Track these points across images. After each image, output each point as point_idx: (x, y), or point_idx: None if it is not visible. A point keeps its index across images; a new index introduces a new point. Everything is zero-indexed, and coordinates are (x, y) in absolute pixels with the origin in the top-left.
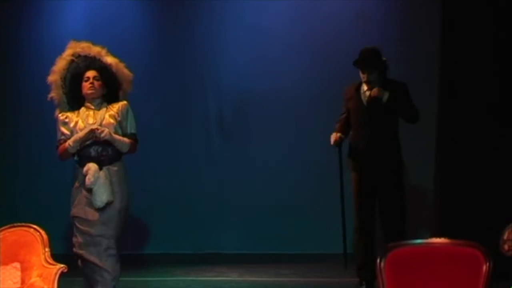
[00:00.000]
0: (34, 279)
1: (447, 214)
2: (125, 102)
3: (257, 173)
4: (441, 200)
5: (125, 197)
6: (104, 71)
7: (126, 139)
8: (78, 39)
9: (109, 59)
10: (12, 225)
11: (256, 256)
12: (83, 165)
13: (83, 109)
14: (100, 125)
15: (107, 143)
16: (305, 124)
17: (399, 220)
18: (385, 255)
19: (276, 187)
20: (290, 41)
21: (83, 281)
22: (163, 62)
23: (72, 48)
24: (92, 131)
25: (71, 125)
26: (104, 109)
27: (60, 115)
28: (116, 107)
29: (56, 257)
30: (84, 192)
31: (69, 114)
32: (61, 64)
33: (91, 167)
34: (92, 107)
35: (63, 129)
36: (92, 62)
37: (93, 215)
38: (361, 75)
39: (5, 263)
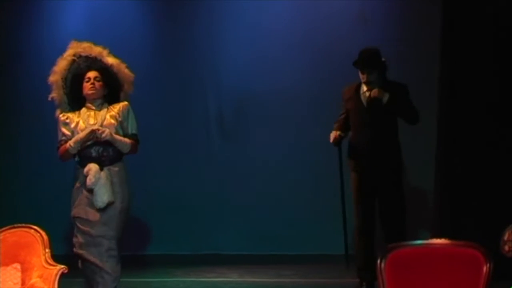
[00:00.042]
0: (35, 280)
1: (447, 214)
2: (126, 102)
3: (257, 173)
4: (441, 201)
5: (126, 197)
6: (105, 71)
7: (127, 140)
8: (79, 39)
9: (111, 60)
10: (12, 226)
11: (257, 257)
12: (83, 166)
13: (84, 109)
14: (101, 125)
15: (108, 143)
16: (305, 124)
17: (399, 220)
18: (386, 256)
19: (276, 187)
20: (290, 41)
21: (83, 282)
22: (163, 62)
23: (73, 49)
24: (93, 131)
25: (72, 125)
26: (105, 109)
27: (61, 115)
28: (117, 108)
29: (57, 258)
30: (84, 193)
31: (70, 114)
32: (62, 64)
33: (92, 167)
34: (93, 107)
35: (64, 130)
36: (93, 62)
37: (94, 216)
38: (361, 75)
39: (6, 264)
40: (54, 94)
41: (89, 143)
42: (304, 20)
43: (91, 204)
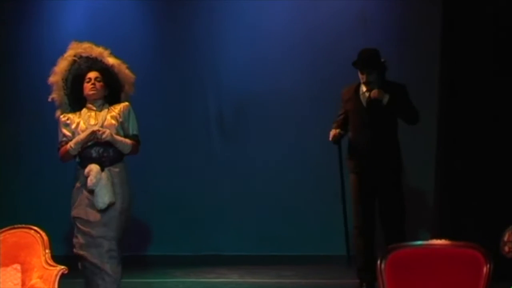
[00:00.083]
0: (35, 280)
1: (447, 214)
2: (127, 103)
3: (257, 174)
4: (441, 201)
5: (126, 198)
6: (106, 72)
7: (128, 140)
8: (79, 39)
9: (111, 60)
10: (12, 226)
11: (257, 257)
12: (84, 166)
13: (84, 110)
14: (102, 126)
15: (109, 144)
16: (305, 124)
17: (399, 221)
18: (386, 257)
19: (277, 188)
20: (290, 42)
21: (84, 283)
22: (163, 62)
23: (74, 49)
24: (93, 132)
25: (73, 126)
26: (106, 110)
27: (61, 116)
28: (117, 108)
29: (57, 258)
30: (85, 193)
31: (70, 115)
32: (62, 65)
33: (93, 168)
34: (94, 108)
35: (65, 131)
36: (94, 63)
37: (94, 216)
38: (360, 75)
39: (6, 265)
40: (54, 95)
41: (89, 143)
42: (304, 21)
43: (92, 205)
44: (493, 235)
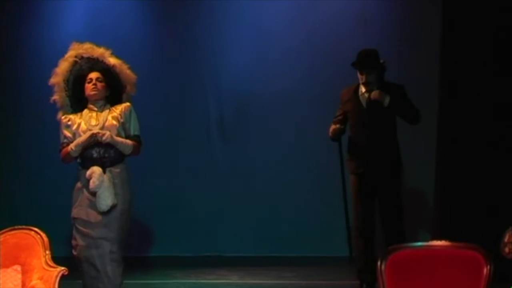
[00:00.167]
0: (35, 281)
1: (447, 215)
2: (128, 103)
3: (257, 174)
4: (441, 201)
5: (127, 199)
6: (107, 72)
7: (128, 141)
8: (79, 39)
9: (113, 61)
10: (12, 227)
11: (257, 258)
12: (85, 167)
13: (86, 111)
14: (103, 127)
15: (110, 145)
16: (305, 125)
17: (399, 221)
18: (386, 258)
19: (277, 189)
20: (290, 42)
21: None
22: (164, 63)
23: (75, 50)
24: (93, 135)
25: (74, 127)
26: (107, 111)
27: (63, 117)
28: (119, 109)
29: (57, 259)
30: (86, 194)
31: (71, 116)
32: (63, 66)
33: (96, 170)
34: (95, 109)
35: (66, 132)
36: (95, 63)
37: (95, 217)
38: (359, 76)
39: (6, 266)
40: (56, 96)
41: (91, 144)
42: (304, 21)
43: (93, 206)
44: (493, 236)
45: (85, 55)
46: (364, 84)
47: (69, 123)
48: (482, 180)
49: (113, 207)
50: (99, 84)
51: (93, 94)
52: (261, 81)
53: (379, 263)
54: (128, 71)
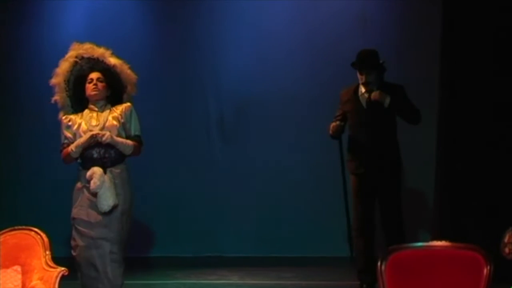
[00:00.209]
0: (35, 282)
1: (447, 215)
2: (128, 104)
3: (257, 175)
4: (442, 201)
5: (127, 199)
6: (108, 72)
7: (129, 142)
8: (79, 39)
9: (113, 61)
10: (12, 228)
11: (257, 259)
12: (85, 167)
13: (86, 111)
14: (103, 127)
15: (110, 145)
16: (305, 125)
17: (399, 221)
18: (386, 258)
19: (277, 190)
20: (290, 42)
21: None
22: (163, 63)
23: (75, 50)
24: (93, 136)
25: (74, 127)
26: (108, 111)
27: (63, 118)
28: (119, 109)
29: (57, 260)
30: (86, 194)
31: (72, 116)
32: (64, 66)
33: (97, 171)
34: (96, 109)
35: (66, 133)
36: (96, 63)
37: (95, 218)
38: (359, 76)
39: (6, 266)
40: (57, 97)
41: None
42: (304, 21)
43: (93, 206)
44: (493, 236)
45: (85, 55)
46: (364, 84)
47: (70, 123)
48: (482, 180)
49: (114, 207)
50: (99, 84)
51: (94, 94)
52: (261, 81)
53: (379, 263)
54: (129, 71)
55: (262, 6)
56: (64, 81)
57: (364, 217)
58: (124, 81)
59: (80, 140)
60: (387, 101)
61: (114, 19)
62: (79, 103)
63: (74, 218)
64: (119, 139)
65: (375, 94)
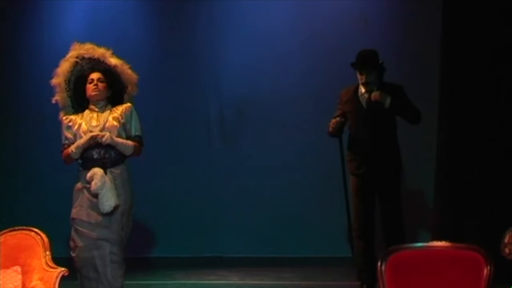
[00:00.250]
0: (35, 282)
1: (447, 215)
2: (129, 104)
3: (257, 175)
4: (442, 202)
5: (128, 200)
6: (109, 73)
7: (129, 142)
8: (79, 39)
9: (114, 61)
10: (12, 228)
11: (257, 259)
12: (86, 168)
13: (87, 111)
14: (103, 127)
15: (110, 146)
16: (305, 125)
17: (399, 221)
18: (386, 259)
19: (277, 189)
20: (290, 43)
21: None
22: (164, 63)
23: (76, 50)
24: (92, 137)
25: (75, 128)
26: (108, 111)
27: (64, 118)
28: (120, 110)
29: (57, 260)
30: (86, 194)
31: (72, 117)
32: (65, 66)
33: (97, 172)
34: (96, 109)
35: (67, 134)
36: (97, 64)
37: (95, 218)
38: (359, 76)
39: (6, 267)
40: (57, 97)
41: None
42: (304, 22)
43: (93, 207)
44: (493, 237)
45: (86, 56)
46: (364, 85)
47: (70, 124)
48: (482, 180)
49: (116, 207)
50: (100, 85)
51: (95, 94)
52: (261, 82)
53: (379, 263)
54: (129, 71)
55: (262, 6)
56: (65, 81)
57: (364, 218)
58: (125, 81)
59: (80, 141)
60: (388, 101)
61: (114, 19)
62: (79, 104)
63: (73, 219)
64: (119, 140)
65: (375, 95)
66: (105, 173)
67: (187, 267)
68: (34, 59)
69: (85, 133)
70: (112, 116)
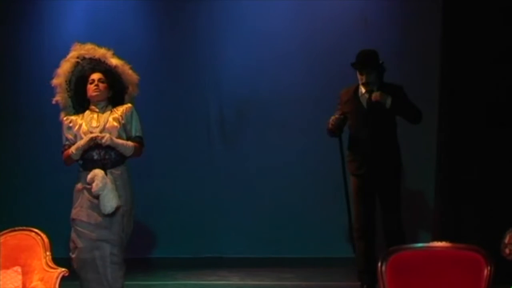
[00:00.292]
0: (35, 283)
1: (447, 216)
2: (129, 105)
3: (258, 176)
4: (442, 202)
5: (128, 200)
6: (109, 73)
7: (129, 143)
8: (79, 40)
9: (115, 61)
10: (13, 229)
11: (258, 260)
12: (86, 169)
13: (87, 112)
14: (104, 128)
15: (110, 147)
16: (305, 125)
17: (399, 222)
18: (386, 259)
19: (277, 190)
20: (290, 43)
21: None
22: (164, 64)
23: (77, 51)
24: (92, 139)
25: (75, 128)
26: (109, 112)
27: (64, 119)
28: (120, 110)
29: (57, 261)
30: (86, 195)
31: (73, 117)
32: (65, 66)
33: (98, 173)
34: (97, 110)
35: (67, 134)
36: (97, 64)
37: (95, 219)
38: (359, 76)
39: (6, 267)
40: (58, 97)
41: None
42: (304, 22)
43: (94, 207)
44: (493, 237)
45: (87, 56)
46: (364, 85)
47: (71, 124)
48: (482, 180)
49: (117, 208)
50: (101, 85)
51: (95, 95)
52: (261, 82)
53: (379, 264)
54: (130, 72)
55: (262, 6)
56: (66, 81)
57: (365, 218)
58: (126, 81)
59: (80, 143)
60: (389, 101)
61: (114, 19)
62: (80, 104)
63: (73, 219)
64: (119, 141)
65: (376, 95)
66: (106, 174)
67: (188, 268)
68: (34, 59)
69: (85, 134)
70: (113, 117)
